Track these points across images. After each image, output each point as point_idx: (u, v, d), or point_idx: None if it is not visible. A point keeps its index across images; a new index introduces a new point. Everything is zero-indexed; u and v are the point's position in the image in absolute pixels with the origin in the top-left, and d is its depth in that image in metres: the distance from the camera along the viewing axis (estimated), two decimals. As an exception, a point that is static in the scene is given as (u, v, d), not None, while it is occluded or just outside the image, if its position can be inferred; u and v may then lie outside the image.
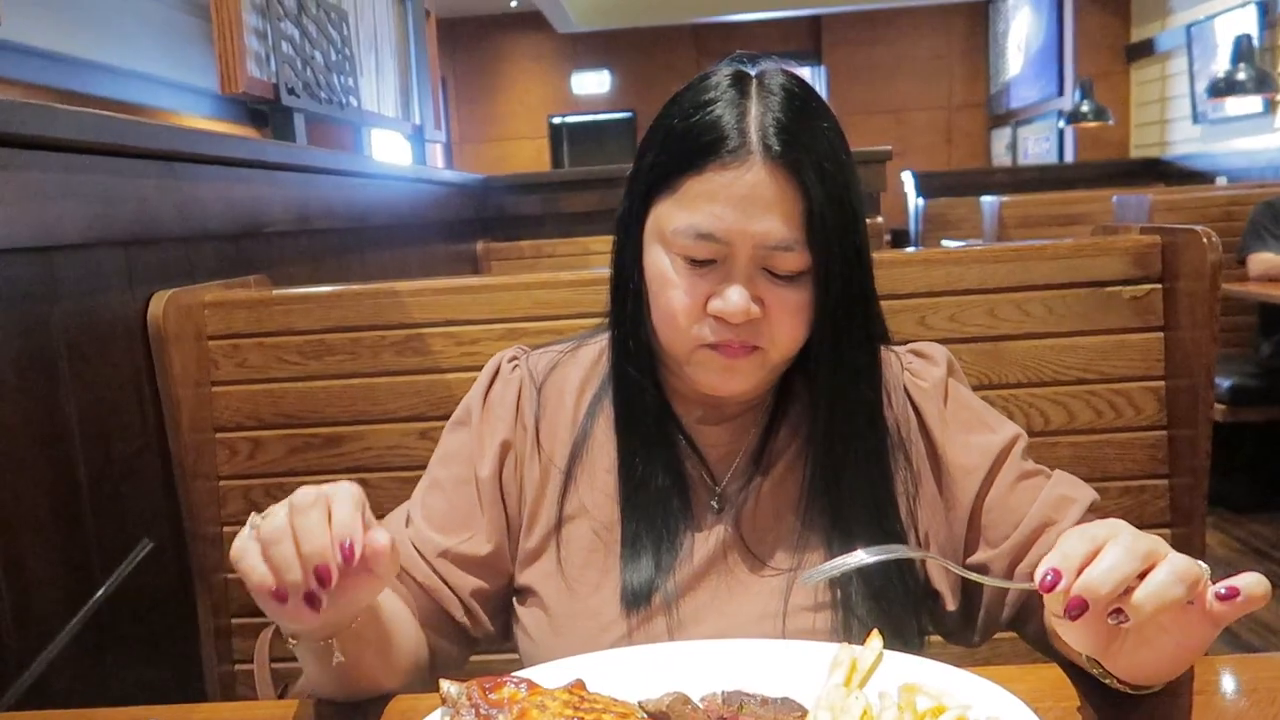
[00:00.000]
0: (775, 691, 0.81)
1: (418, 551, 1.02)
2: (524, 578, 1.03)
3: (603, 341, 1.05)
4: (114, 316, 1.30)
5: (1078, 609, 0.67)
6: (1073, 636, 0.77)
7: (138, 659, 1.33)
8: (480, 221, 3.48)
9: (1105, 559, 0.68)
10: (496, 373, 1.08)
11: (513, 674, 0.80)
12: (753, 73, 0.93)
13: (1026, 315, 1.41)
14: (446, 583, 1.02)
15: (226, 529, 1.49)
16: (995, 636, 1.05)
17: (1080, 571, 0.69)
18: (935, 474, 1.02)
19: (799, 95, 0.92)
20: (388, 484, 1.47)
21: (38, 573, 1.14)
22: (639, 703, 0.75)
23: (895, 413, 1.02)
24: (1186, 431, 1.38)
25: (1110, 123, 6.96)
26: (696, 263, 0.91)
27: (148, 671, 1.35)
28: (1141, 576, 0.69)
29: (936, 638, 1.09)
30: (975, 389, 1.40)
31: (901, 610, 0.97)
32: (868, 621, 0.93)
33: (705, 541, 0.99)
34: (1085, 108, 6.88)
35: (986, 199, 5.73)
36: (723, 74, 0.93)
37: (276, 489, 1.48)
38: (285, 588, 0.74)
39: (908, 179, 7.27)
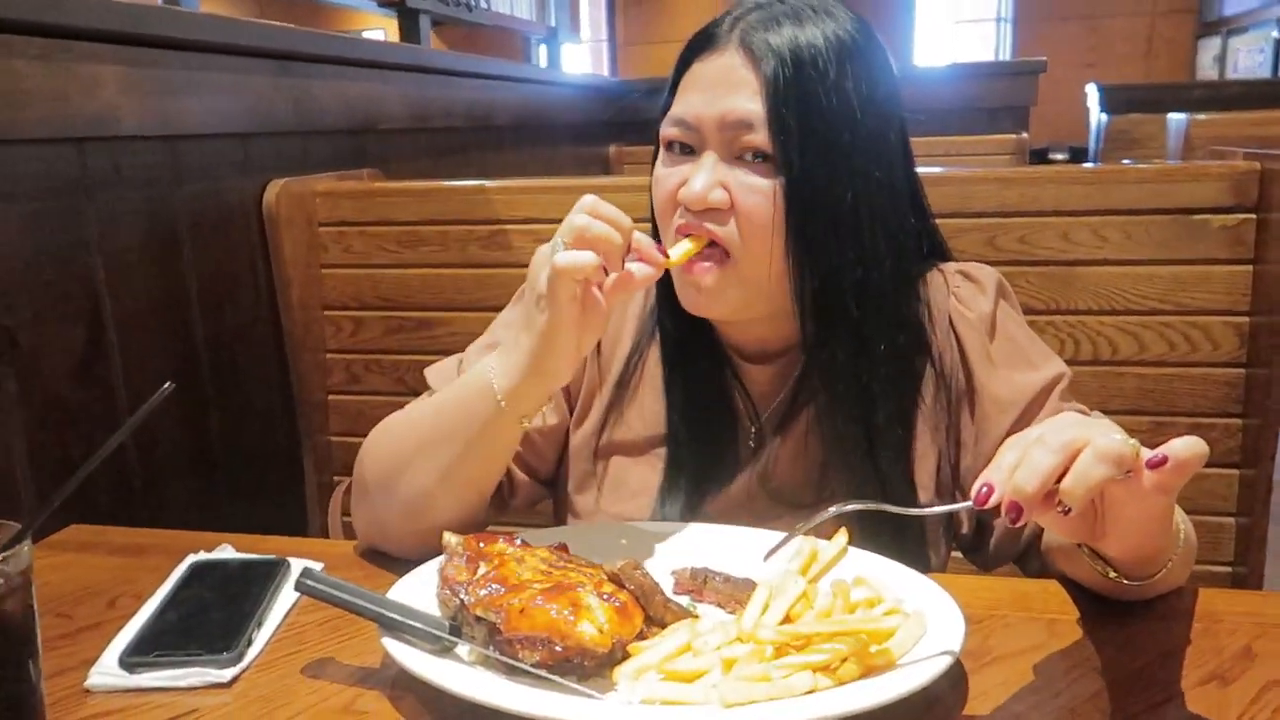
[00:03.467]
0: (742, 573, 0.88)
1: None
2: (567, 471, 1.08)
3: None
4: (231, 201, 1.47)
5: (1014, 513, 0.67)
6: (1057, 529, 0.77)
7: (249, 510, 1.53)
8: (615, 125, 3.54)
9: (1027, 460, 0.67)
10: None
11: (509, 533, 0.91)
12: None
13: (1103, 240, 1.37)
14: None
15: (331, 397, 1.66)
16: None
17: (1047, 480, 0.67)
18: (970, 407, 1.00)
19: (807, 2, 0.93)
20: (470, 368, 1.59)
21: (160, 421, 1.33)
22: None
23: (939, 339, 1.00)
24: (1264, 371, 1.32)
25: (1333, 33, 6.21)
26: (676, 154, 0.94)
27: (257, 520, 1.55)
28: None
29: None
30: (1042, 314, 1.40)
31: (916, 538, 0.97)
32: (890, 554, 0.93)
33: (739, 479, 1.01)
34: (1305, 16, 6.16)
35: (1174, 116, 5.25)
36: None
37: (375, 365, 1.64)
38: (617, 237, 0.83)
39: (1091, 92, 6.77)
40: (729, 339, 1.04)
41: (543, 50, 3.63)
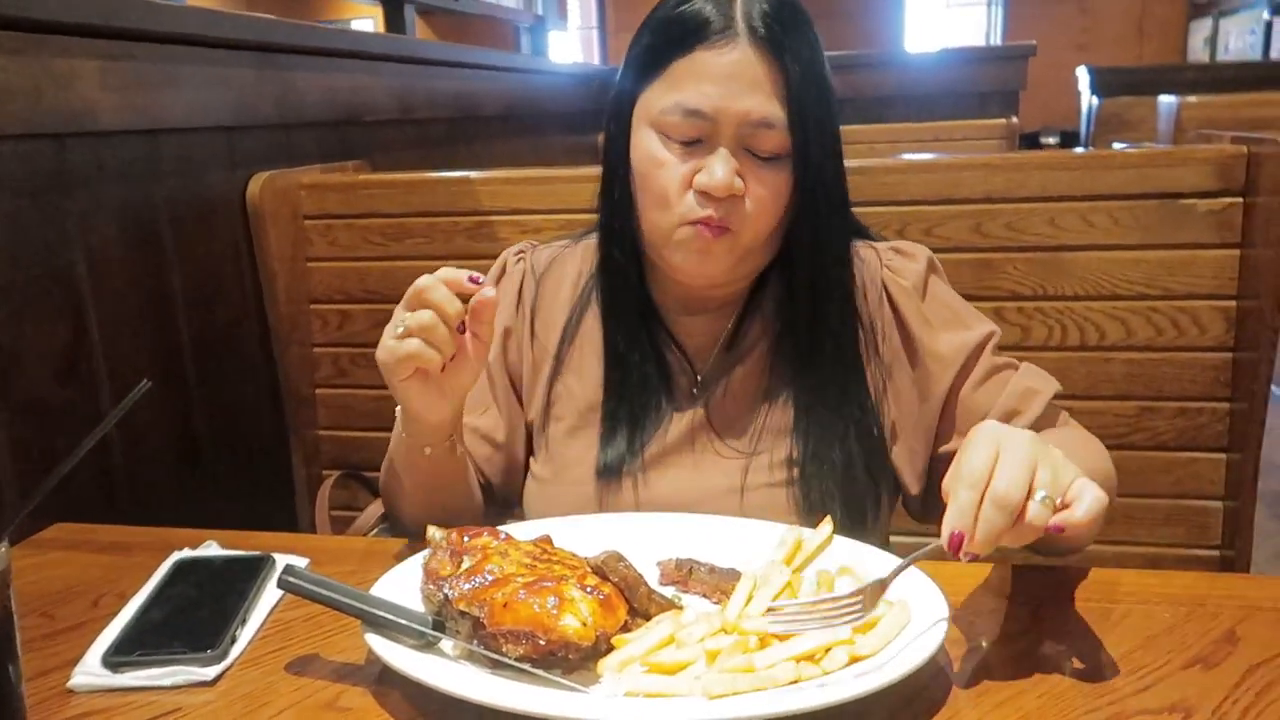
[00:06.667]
0: (727, 563, 0.88)
1: None
2: (530, 450, 1.14)
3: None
4: (214, 195, 1.46)
5: (957, 546, 0.73)
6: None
7: (237, 505, 1.52)
8: (602, 113, 3.52)
9: (983, 519, 0.72)
10: (504, 268, 1.18)
11: (495, 527, 0.91)
12: None
13: (1090, 226, 1.37)
14: (470, 452, 1.12)
15: (319, 391, 1.66)
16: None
17: (975, 513, 0.73)
18: (911, 367, 1.05)
19: None
20: (458, 360, 1.58)
21: (144, 419, 1.33)
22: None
23: (870, 306, 1.06)
24: (1252, 354, 1.32)
25: (1323, 15, 6.20)
26: (684, 142, 0.95)
27: (246, 515, 1.55)
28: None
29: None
30: (1029, 300, 1.40)
31: (861, 489, 1.01)
32: (825, 499, 0.99)
33: (679, 423, 1.06)
34: (1296, -3, 6.16)
35: (1164, 99, 5.24)
36: None
37: (362, 358, 1.63)
38: (448, 321, 0.88)
39: (1082, 75, 6.74)
40: (670, 294, 1.07)
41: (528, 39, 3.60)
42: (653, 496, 1.03)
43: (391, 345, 0.91)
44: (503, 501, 1.16)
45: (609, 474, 1.04)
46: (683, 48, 0.95)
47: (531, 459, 1.13)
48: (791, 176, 0.96)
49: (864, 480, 1.01)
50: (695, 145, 0.95)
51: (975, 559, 0.73)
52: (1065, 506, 0.74)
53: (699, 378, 1.07)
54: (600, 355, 1.09)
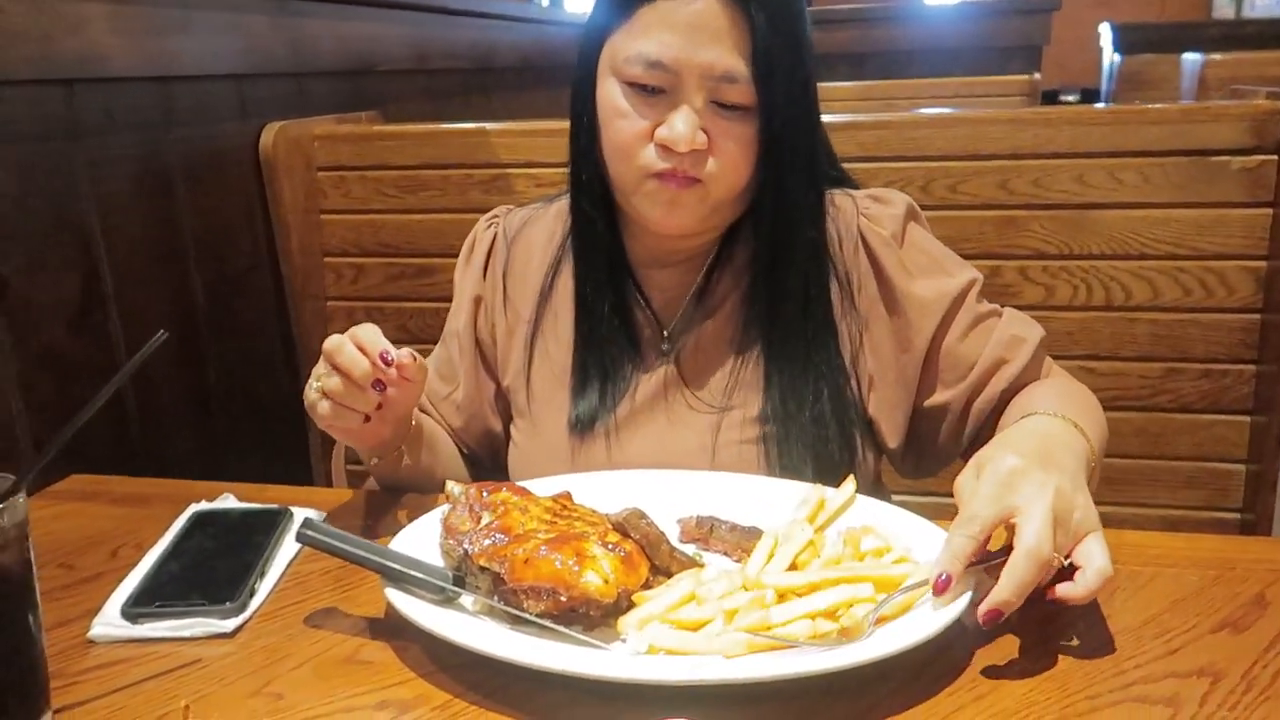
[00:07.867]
0: (747, 520, 0.87)
1: (429, 398, 1.14)
2: (511, 413, 1.13)
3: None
4: (227, 145, 1.44)
5: (943, 589, 0.71)
6: None
7: (251, 460, 1.52)
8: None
9: (1014, 574, 0.70)
10: (475, 238, 1.15)
11: (514, 482, 0.90)
12: None
13: (1119, 183, 1.34)
14: (446, 423, 1.14)
15: (333, 345, 1.64)
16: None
17: (966, 561, 0.72)
18: (890, 317, 1.02)
19: None
20: (472, 315, 1.57)
21: (158, 371, 1.32)
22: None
23: (845, 257, 1.03)
24: (1281, 316, 1.30)
25: (1355, -31, 6.05)
26: (646, 91, 0.93)
27: (260, 468, 1.55)
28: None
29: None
30: (1054, 259, 1.38)
31: (834, 449, 0.99)
32: (796, 459, 0.98)
33: (650, 378, 1.04)
34: (1327, -49, 5.99)
35: (1188, 56, 5.12)
36: None
37: (376, 311, 1.62)
38: (357, 384, 0.87)
39: (1104, 31, 6.60)
40: (642, 244, 1.05)
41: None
42: (626, 453, 1.02)
43: (310, 402, 0.91)
44: (493, 467, 1.15)
45: (582, 428, 1.03)
46: None
47: (512, 425, 1.11)
48: (759, 128, 0.93)
49: (836, 439, 0.99)
50: (659, 96, 0.93)
51: (998, 619, 0.70)
52: (1068, 568, 0.72)
53: (666, 332, 1.05)
54: (574, 313, 1.06)
